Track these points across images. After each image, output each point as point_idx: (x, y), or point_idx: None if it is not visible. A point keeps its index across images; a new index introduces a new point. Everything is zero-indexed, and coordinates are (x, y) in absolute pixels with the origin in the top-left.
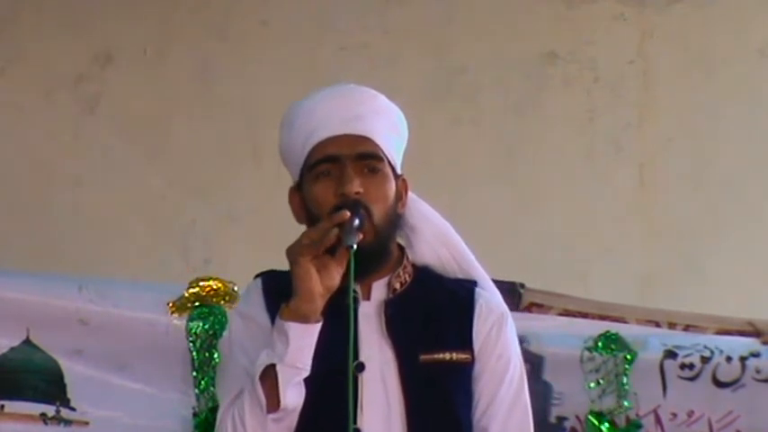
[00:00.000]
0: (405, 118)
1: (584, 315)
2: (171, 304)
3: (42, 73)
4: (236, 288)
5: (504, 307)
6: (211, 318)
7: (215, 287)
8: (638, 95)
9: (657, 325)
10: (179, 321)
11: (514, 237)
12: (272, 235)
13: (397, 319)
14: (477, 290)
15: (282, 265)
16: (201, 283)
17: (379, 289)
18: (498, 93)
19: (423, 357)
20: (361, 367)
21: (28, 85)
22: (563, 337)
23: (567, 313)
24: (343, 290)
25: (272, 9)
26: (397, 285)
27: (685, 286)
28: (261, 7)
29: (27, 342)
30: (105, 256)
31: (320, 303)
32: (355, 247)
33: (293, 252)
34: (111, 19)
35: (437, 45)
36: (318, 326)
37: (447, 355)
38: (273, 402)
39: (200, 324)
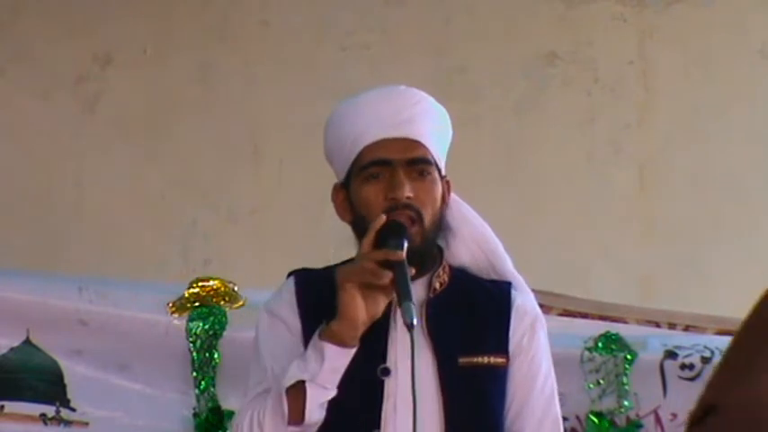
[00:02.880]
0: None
1: (584, 315)
2: (171, 304)
3: (42, 73)
4: (236, 288)
5: (538, 310)
6: (211, 318)
7: (215, 287)
8: (638, 96)
9: (657, 325)
10: (179, 321)
11: (514, 237)
12: (272, 235)
13: (437, 320)
14: (513, 291)
15: (284, 264)
16: (201, 284)
17: (416, 289)
18: (498, 93)
19: (462, 361)
20: (385, 372)
21: (28, 85)
22: (563, 337)
23: (566, 313)
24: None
25: (272, 9)
26: (437, 285)
27: (685, 286)
28: (261, 7)
29: (27, 342)
30: (105, 256)
31: (361, 330)
32: (415, 322)
33: (343, 276)
34: (111, 19)
35: (437, 45)
36: (354, 350)
37: (485, 359)
38: (296, 416)
39: (200, 324)
